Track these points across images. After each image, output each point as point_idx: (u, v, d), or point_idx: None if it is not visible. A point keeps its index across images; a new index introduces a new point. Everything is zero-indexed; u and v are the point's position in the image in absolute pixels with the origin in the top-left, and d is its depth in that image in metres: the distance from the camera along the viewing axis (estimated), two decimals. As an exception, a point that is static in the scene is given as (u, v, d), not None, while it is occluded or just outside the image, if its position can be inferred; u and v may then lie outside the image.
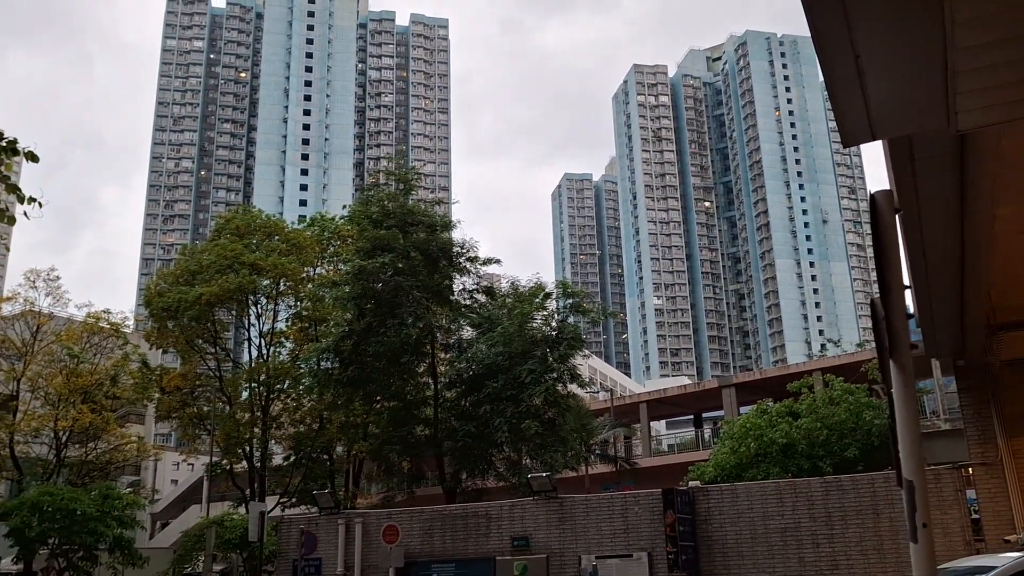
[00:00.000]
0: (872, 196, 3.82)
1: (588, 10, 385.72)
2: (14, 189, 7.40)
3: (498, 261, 30.91)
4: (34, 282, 36.68)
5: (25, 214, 7.86)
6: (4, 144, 7.58)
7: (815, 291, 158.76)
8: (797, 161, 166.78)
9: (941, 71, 4.43)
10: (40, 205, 7.90)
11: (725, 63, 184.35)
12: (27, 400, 35.70)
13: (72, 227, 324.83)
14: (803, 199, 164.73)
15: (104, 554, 31.94)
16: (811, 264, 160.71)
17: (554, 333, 28.62)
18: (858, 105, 4.74)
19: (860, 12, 4.09)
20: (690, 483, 18.98)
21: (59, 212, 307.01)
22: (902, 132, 5.51)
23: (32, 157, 7.74)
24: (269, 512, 28.13)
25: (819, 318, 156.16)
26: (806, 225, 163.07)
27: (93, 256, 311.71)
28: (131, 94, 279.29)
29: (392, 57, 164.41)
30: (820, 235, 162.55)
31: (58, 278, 37.45)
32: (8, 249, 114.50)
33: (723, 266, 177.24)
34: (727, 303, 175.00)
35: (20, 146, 7.68)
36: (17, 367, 35.68)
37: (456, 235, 30.09)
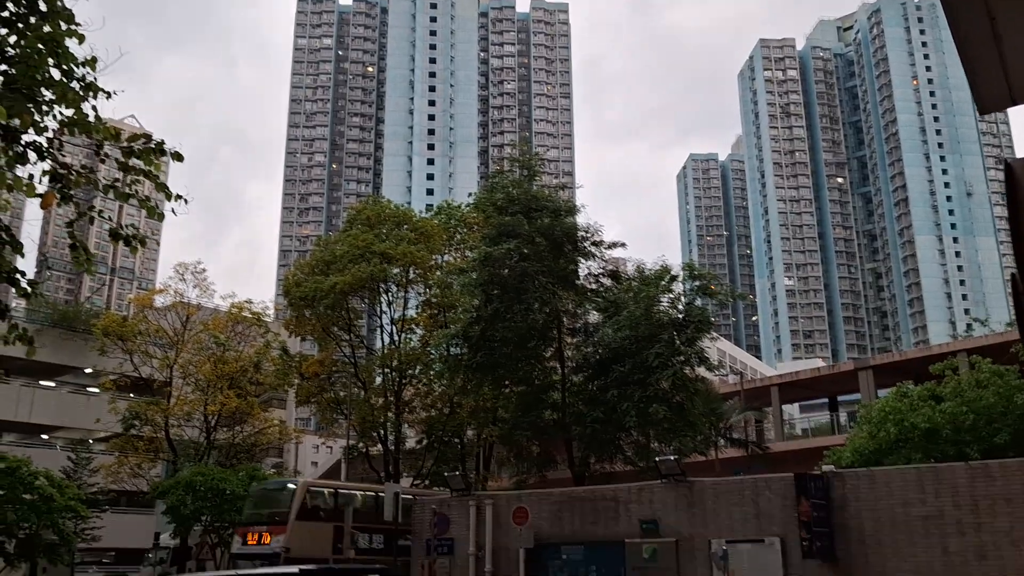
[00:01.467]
0: (1007, 164, 3.66)
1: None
2: (163, 188, 7.88)
3: (623, 245, 30.78)
4: (183, 275, 38.96)
5: (173, 211, 8.35)
6: (152, 146, 8.08)
7: (959, 268, 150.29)
8: (937, 132, 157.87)
9: (1086, 31, 4.19)
10: (186, 202, 8.38)
11: (857, 32, 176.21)
12: (179, 386, 38.01)
13: (220, 222, 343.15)
14: (945, 171, 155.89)
15: (252, 531, 33.70)
16: (954, 240, 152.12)
17: (681, 316, 28.26)
18: (994, 70, 4.53)
19: (994, -27, 3.92)
20: (824, 468, 18.46)
21: (209, 208, 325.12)
22: (1045, 97, 5.21)
23: (178, 157, 8.23)
24: (403, 494, 29.14)
25: (964, 296, 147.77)
26: (948, 199, 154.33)
27: (239, 248, 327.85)
28: (271, 92, 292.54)
29: (513, 44, 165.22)
30: (964, 209, 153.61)
31: (204, 271, 39.64)
32: (159, 244, 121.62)
33: (858, 244, 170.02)
34: (863, 282, 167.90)
35: (167, 147, 8.18)
36: (170, 355, 38.01)
37: (580, 220, 30.13)
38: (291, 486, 26.67)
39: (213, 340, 37.96)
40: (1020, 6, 4.19)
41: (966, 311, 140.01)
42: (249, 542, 25.27)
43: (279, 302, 51.28)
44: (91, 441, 47.21)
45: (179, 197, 8.23)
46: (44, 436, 47.69)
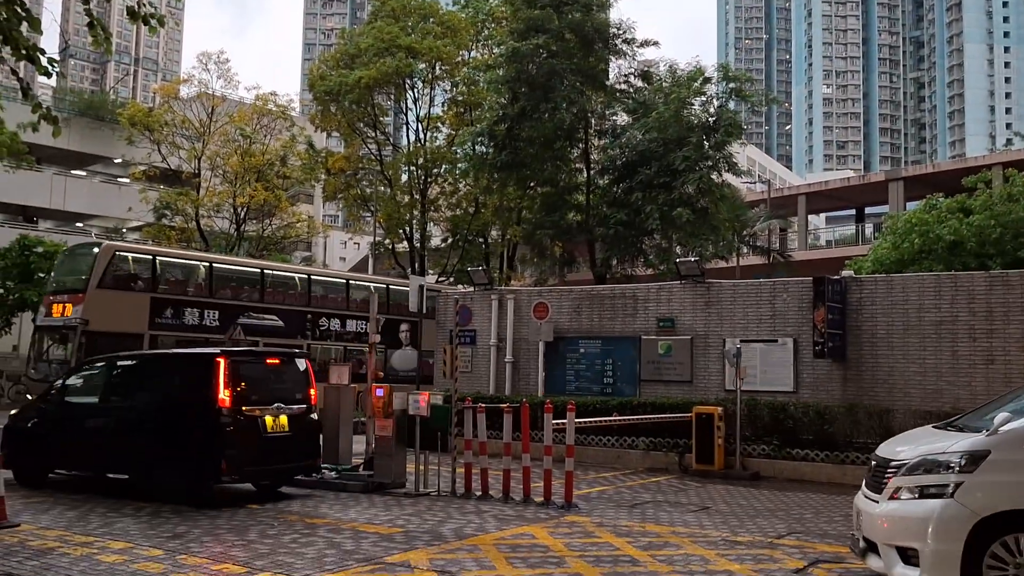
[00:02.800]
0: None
1: None
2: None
3: (656, 44, 29.80)
4: (206, 65, 38.38)
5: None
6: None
7: (1007, 80, 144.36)
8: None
9: None
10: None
11: None
12: (207, 178, 38.37)
13: (245, 13, 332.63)
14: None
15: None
16: (1006, 49, 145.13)
17: (712, 119, 27.74)
18: None
19: None
20: (844, 274, 18.67)
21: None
22: None
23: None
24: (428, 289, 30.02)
25: (1008, 110, 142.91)
26: (1004, 4, 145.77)
27: (264, 41, 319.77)
28: None
29: None
30: (1020, 15, 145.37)
31: (228, 61, 39.00)
32: (181, 31, 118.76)
33: (903, 52, 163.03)
34: (904, 92, 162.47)
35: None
36: (197, 146, 38.13)
37: (612, 15, 29.04)
38: (96, 250, 22.90)
39: (239, 132, 37.92)
40: None
41: (1008, 125, 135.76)
42: (53, 313, 22.19)
43: (304, 97, 50.67)
44: (124, 230, 48.38)
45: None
46: (79, 224, 48.84)
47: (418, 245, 35.89)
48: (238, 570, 7.46)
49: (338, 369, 14.85)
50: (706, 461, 15.27)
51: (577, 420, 12.19)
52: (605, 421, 16.05)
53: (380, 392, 12.59)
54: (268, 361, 12.51)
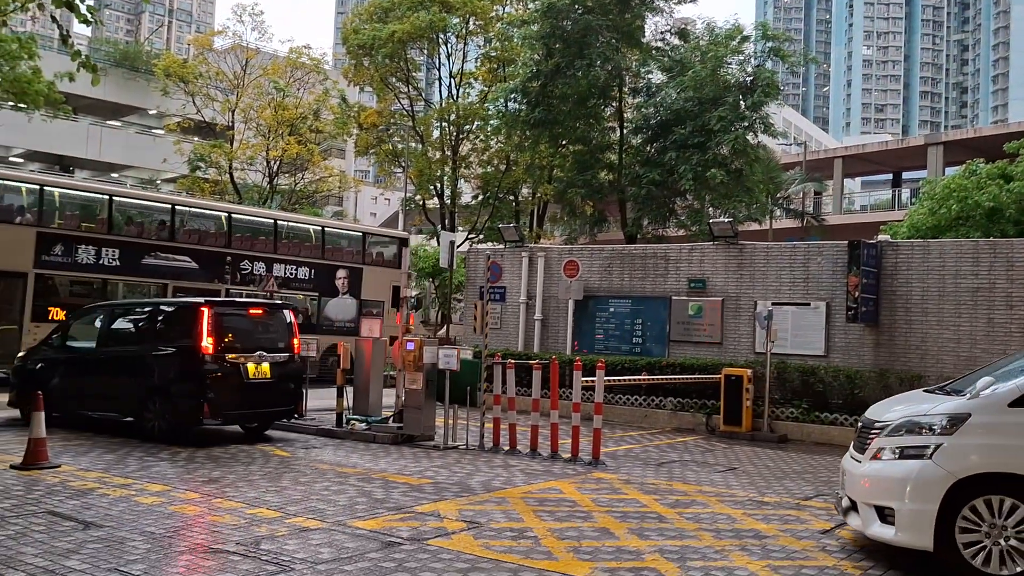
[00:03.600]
0: None
1: None
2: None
3: (694, 0, 29.21)
4: (240, 16, 38.29)
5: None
6: None
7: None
8: None
9: None
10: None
11: None
12: (241, 131, 38.49)
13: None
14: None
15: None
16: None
17: (749, 79, 27.28)
18: None
19: None
20: (879, 238, 18.44)
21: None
22: None
23: None
24: (458, 247, 29.91)
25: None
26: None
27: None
28: None
29: None
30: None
31: (262, 13, 38.86)
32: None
33: (947, 12, 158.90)
34: (947, 55, 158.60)
35: None
36: (231, 99, 38.20)
37: (651, -29, 28.45)
38: None
39: (273, 85, 37.90)
40: None
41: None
42: None
43: (337, 51, 50.46)
44: (159, 181, 48.79)
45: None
46: (114, 175, 49.29)
47: (448, 202, 35.86)
48: (272, 514, 7.63)
49: (369, 322, 14.98)
50: (734, 423, 15.29)
51: (606, 379, 12.22)
52: (634, 380, 16.10)
53: (411, 346, 12.70)
54: (251, 311, 13.18)
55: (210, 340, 11.79)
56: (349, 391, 14.43)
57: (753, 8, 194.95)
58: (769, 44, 27.93)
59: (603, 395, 11.72)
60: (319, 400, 15.87)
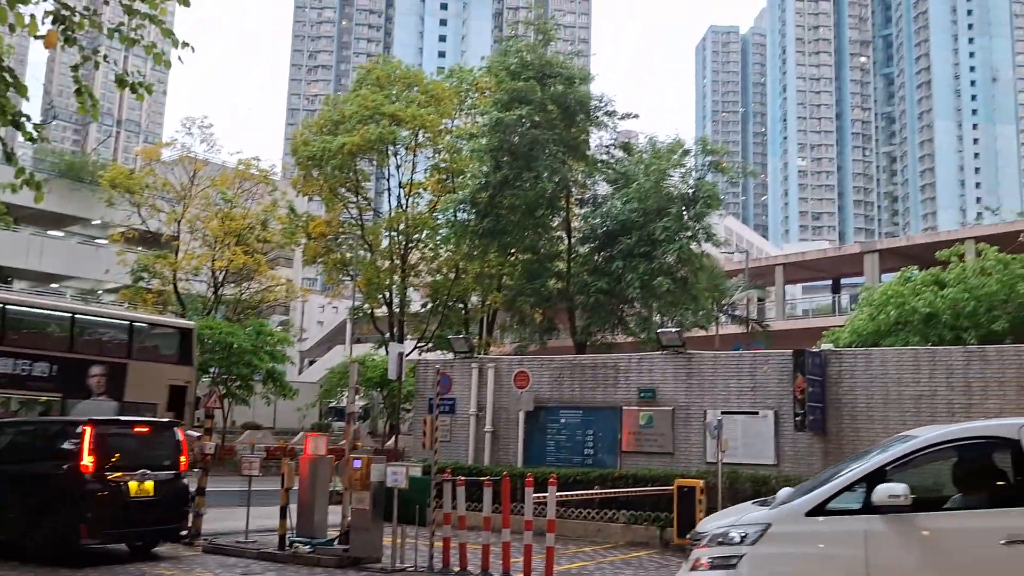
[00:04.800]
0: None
1: None
2: (169, 34, 7.67)
3: (636, 116, 30.34)
4: (189, 129, 38.59)
5: (179, 58, 8.16)
6: (158, -13, 7.82)
7: (976, 155, 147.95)
8: (969, 12, 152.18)
9: None
10: (192, 50, 8.19)
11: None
12: (187, 241, 38.25)
13: (237, 73, 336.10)
14: (972, 55, 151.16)
15: (258, 384, 34.69)
16: (974, 126, 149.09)
17: (691, 191, 28.09)
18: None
19: None
20: (823, 346, 18.75)
21: (226, 60, 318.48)
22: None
23: (184, 1, 7.98)
24: (407, 355, 29.66)
25: (978, 184, 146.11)
26: (972, 84, 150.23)
27: (251, 102, 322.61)
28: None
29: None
30: (987, 95, 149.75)
31: (211, 126, 39.28)
32: (165, 94, 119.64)
33: (875, 127, 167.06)
34: (877, 166, 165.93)
35: (174, -10, 7.92)
36: (177, 209, 38.08)
37: (594, 88, 29.63)
38: None
39: (220, 196, 37.94)
40: None
41: (978, 200, 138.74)
42: None
43: (286, 161, 50.95)
44: (100, 292, 47.95)
45: (186, 44, 8.03)
46: (54, 285, 48.33)
47: (397, 311, 35.78)
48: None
49: (315, 440, 14.62)
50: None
51: (558, 493, 11.99)
52: (586, 495, 15.84)
53: (357, 463, 12.38)
54: (137, 429, 13.19)
55: (91, 459, 11.70)
56: (293, 509, 13.94)
57: (693, 122, 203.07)
58: (709, 158, 28.93)
59: (555, 510, 11.48)
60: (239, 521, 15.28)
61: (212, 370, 32.29)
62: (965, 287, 25.55)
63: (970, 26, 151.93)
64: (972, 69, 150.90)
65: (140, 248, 39.90)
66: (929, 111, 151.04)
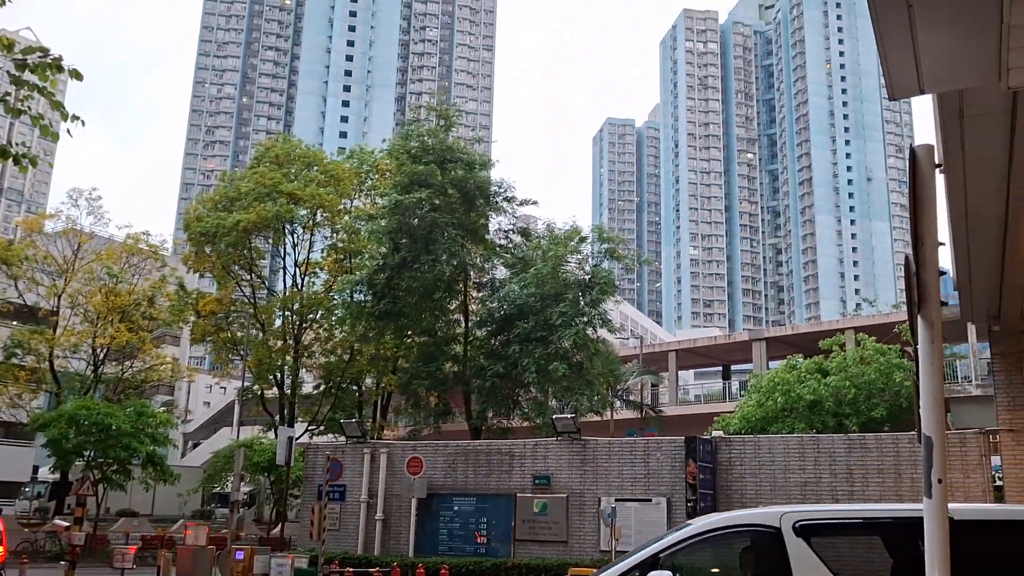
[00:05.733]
0: (912, 149, 3.75)
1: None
2: (58, 106, 7.46)
3: (535, 202, 30.91)
4: (76, 201, 37.29)
5: (68, 131, 7.96)
6: (49, 61, 7.63)
7: (854, 249, 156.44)
8: (845, 116, 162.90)
9: (996, 24, 4.31)
10: (83, 123, 7.99)
11: (778, 12, 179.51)
12: (67, 316, 36.54)
13: (135, 146, 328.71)
14: (848, 155, 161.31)
15: (137, 469, 32.95)
16: (852, 222, 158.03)
17: (587, 277, 28.61)
18: (907, 57, 4.62)
19: (916, -41, 3.97)
20: (714, 433, 19.09)
21: (124, 131, 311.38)
22: (952, 87, 5.37)
23: (76, 75, 7.80)
24: (297, 439, 28.76)
25: (856, 277, 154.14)
26: (850, 182, 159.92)
27: (148, 176, 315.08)
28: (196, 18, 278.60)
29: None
30: (863, 193, 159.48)
31: (100, 198, 38.12)
32: (52, 166, 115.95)
33: (762, 219, 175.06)
34: (763, 257, 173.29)
35: (65, 64, 7.72)
36: (58, 283, 36.45)
37: (494, 174, 30.13)
38: None
39: (106, 271, 36.53)
40: (936, -4, 4.27)
41: (856, 291, 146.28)
42: None
43: (178, 236, 49.64)
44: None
45: (75, 118, 7.81)
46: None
47: (289, 392, 34.80)
48: None
49: (195, 529, 13.89)
50: (581, 627, 14.81)
51: (449, 586, 11.66)
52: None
53: (240, 554, 11.79)
54: None
55: None
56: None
57: (590, 210, 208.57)
58: (605, 245, 29.62)
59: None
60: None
61: (87, 453, 30.52)
62: (846, 375, 26.70)
63: (846, 129, 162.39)
64: (849, 168, 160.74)
65: (15, 322, 37.88)
66: (811, 206, 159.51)
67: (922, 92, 5.04)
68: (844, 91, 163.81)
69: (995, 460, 15.15)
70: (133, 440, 30.59)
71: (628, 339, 57.63)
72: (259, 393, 36.11)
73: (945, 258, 9.78)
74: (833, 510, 7.18)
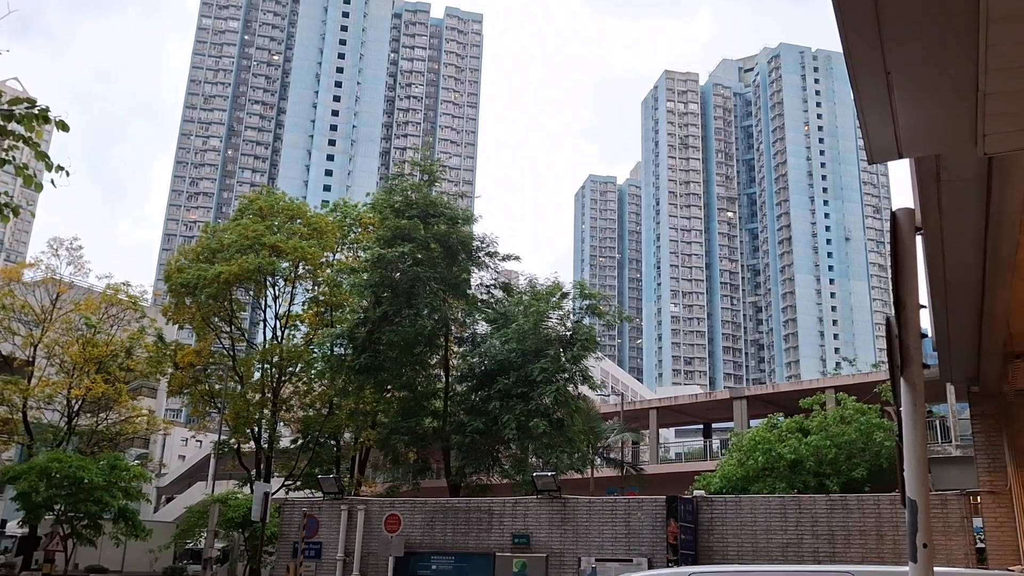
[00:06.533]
0: (893, 213, 3.81)
1: (632, 14, 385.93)
2: (43, 156, 7.47)
3: (517, 258, 31.00)
4: (56, 250, 37.06)
5: (52, 182, 7.98)
6: (36, 112, 7.66)
7: (833, 308, 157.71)
8: (823, 177, 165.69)
9: (972, 91, 4.40)
10: (67, 174, 8.00)
11: (757, 75, 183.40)
12: (42, 367, 36.06)
13: (119, 198, 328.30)
14: (827, 215, 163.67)
15: (108, 523, 32.26)
16: (831, 281, 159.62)
17: (568, 333, 28.60)
18: (886, 122, 4.71)
19: (894, 30, 4.07)
20: (695, 492, 18.94)
21: (109, 183, 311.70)
22: (929, 152, 5.47)
23: (63, 126, 7.83)
24: (273, 494, 28.30)
25: (835, 336, 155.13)
26: (828, 242, 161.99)
27: (132, 228, 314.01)
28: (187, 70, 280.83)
29: (425, 49, 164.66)
30: (842, 253, 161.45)
31: (80, 248, 37.82)
32: (33, 215, 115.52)
33: (742, 277, 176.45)
34: (744, 315, 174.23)
35: (52, 115, 7.76)
36: (35, 333, 36.05)
37: (477, 229, 30.29)
38: None
39: (84, 321, 36.18)
40: (913, 64, 4.36)
41: (836, 350, 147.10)
42: None
43: (159, 287, 49.38)
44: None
45: (60, 168, 7.83)
46: None
47: (266, 447, 34.32)
48: None
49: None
50: None
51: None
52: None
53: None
54: None
55: None
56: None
57: (572, 266, 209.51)
58: (586, 301, 29.67)
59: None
60: None
61: (57, 507, 29.89)
62: (827, 435, 26.67)
63: (824, 189, 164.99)
64: (828, 228, 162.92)
65: (-11, 373, 37.32)
66: (790, 265, 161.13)
67: (900, 156, 5.13)
68: (822, 152, 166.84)
69: (977, 522, 15.11)
70: (105, 494, 30.04)
71: (609, 396, 57.50)
72: (235, 447, 35.59)
73: (925, 319, 9.86)
74: (735, 571, 7.05)
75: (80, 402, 35.78)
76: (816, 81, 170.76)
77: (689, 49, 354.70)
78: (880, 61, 4.30)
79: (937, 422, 31.59)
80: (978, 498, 14.83)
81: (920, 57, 4.26)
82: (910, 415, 3.68)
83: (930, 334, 10.18)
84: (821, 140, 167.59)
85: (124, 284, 37.85)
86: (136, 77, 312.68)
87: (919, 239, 6.85)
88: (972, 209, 6.64)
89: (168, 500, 64.75)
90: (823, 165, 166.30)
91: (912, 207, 4.28)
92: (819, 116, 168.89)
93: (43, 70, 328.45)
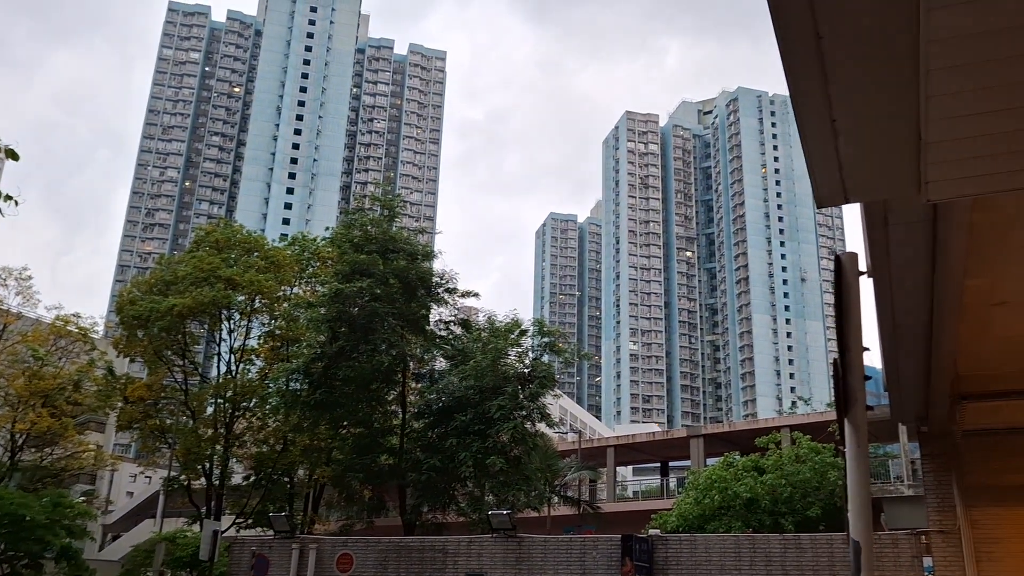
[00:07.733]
0: (837, 257, 3.87)
1: (601, 57, 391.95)
2: (-9, 186, 7.33)
3: (476, 295, 30.90)
4: (4, 280, 36.30)
5: (0, 211, 7.83)
6: (-18, 141, 7.53)
7: (789, 348, 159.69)
8: (780, 219, 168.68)
9: (915, 140, 4.51)
10: (16, 203, 7.87)
11: (716, 117, 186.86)
12: (-15, 400, 35.13)
13: (80, 228, 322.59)
14: (783, 256, 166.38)
15: (50, 563, 31.28)
16: (787, 321, 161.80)
17: (527, 371, 28.52)
18: (832, 168, 4.81)
19: (838, 77, 4.16)
20: (651, 531, 18.88)
21: (69, 213, 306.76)
22: (874, 197, 5.59)
23: (12, 155, 7.71)
24: (224, 532, 27.69)
25: (791, 375, 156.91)
26: (784, 282, 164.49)
27: (90, 259, 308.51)
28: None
29: (387, 84, 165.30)
30: (798, 293, 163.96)
31: (30, 277, 37.09)
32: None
33: (700, 316, 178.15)
34: (702, 353, 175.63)
35: (1, 144, 7.64)
36: (-21, 365, 35.15)
37: (437, 265, 30.16)
38: None
39: (31, 353, 35.33)
40: (857, 113, 4.47)
41: (792, 389, 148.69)
42: None
43: (111, 319, 48.44)
44: None
45: (9, 198, 7.69)
46: None
47: (217, 483, 33.62)
48: None
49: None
50: None
51: None
52: None
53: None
54: None
55: None
56: None
57: (531, 303, 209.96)
58: (545, 339, 29.66)
59: None
60: None
61: (-3, 546, 28.97)
62: (782, 473, 26.85)
63: (781, 231, 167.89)
64: (784, 269, 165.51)
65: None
66: (748, 305, 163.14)
67: (847, 201, 5.23)
68: (779, 194, 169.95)
69: (927, 561, 15.24)
70: (47, 532, 29.18)
71: (567, 434, 57.42)
72: (186, 484, 34.83)
73: (875, 359, 9.99)
74: None
75: (24, 436, 34.82)
76: (773, 125, 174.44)
77: (655, 90, 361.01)
78: (826, 108, 4.40)
79: (890, 462, 31.98)
80: (928, 537, 14.98)
81: (864, 106, 4.37)
82: (854, 456, 3.71)
83: (881, 375, 10.32)
84: (778, 183, 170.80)
85: (74, 315, 37.15)
86: (101, 106, 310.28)
87: (870, 281, 6.98)
88: (919, 253, 6.78)
89: (115, 538, 63.09)
90: (780, 207, 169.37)
91: (856, 252, 4.36)
92: (776, 159, 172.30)
93: (8, 100, 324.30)
